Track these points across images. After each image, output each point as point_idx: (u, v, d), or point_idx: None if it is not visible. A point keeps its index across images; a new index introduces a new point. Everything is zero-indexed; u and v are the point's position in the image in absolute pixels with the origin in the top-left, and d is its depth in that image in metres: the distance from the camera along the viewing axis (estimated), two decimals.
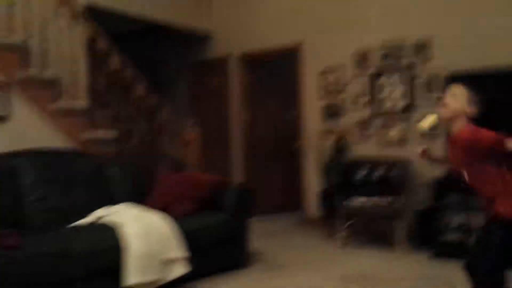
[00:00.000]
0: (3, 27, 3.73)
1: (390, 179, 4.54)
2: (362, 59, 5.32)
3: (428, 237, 4.27)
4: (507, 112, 3.82)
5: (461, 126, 2.44)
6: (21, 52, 3.76)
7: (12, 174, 3.21)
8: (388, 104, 5.14)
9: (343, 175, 4.76)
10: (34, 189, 3.24)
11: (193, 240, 3.28)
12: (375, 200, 4.46)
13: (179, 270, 3.10)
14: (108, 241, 2.90)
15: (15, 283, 2.49)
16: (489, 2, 4.58)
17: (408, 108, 4.97)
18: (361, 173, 4.74)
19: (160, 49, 7.53)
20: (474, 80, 2.71)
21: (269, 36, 6.13)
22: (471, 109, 2.44)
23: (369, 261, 4.07)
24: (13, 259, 2.48)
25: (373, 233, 4.93)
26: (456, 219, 4.08)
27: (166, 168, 4.07)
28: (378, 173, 4.68)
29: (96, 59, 4.24)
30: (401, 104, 5.04)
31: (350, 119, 5.40)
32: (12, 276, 2.46)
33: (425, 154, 2.80)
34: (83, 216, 3.32)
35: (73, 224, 3.23)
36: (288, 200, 6.66)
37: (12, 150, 3.45)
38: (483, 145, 2.35)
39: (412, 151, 4.74)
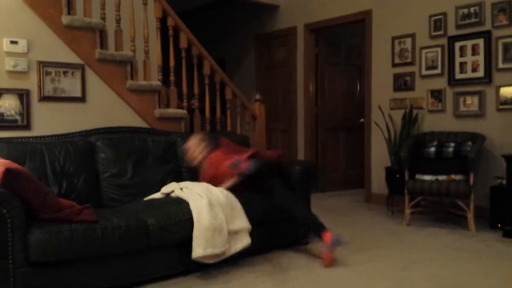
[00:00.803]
0: (79, 9, 3.90)
1: (464, 154, 4.34)
2: (435, 25, 5.05)
3: (501, 216, 4.09)
4: None
5: None
6: (97, 32, 3.92)
7: (90, 152, 3.43)
8: (464, 73, 4.85)
9: (413, 149, 4.60)
10: (109, 166, 3.45)
11: (255, 215, 3.35)
12: (445, 177, 4.29)
13: (243, 242, 3.20)
14: (180, 214, 3.03)
15: (91, 256, 2.68)
16: None
17: (487, 77, 4.67)
18: (433, 148, 4.58)
19: (226, 23, 7.59)
20: None
21: (337, 5, 5.97)
22: None
23: (434, 242, 3.97)
24: (89, 232, 2.65)
25: (442, 211, 4.79)
26: None
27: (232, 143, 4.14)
28: (451, 148, 4.48)
29: (166, 37, 4.34)
30: (479, 73, 4.74)
31: (423, 89, 5.18)
32: (88, 249, 2.64)
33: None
34: (155, 191, 3.50)
35: (146, 199, 3.42)
36: (353, 176, 6.61)
37: (89, 128, 3.69)
38: None
39: (489, 124, 4.53)
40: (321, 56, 6.48)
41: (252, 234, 3.27)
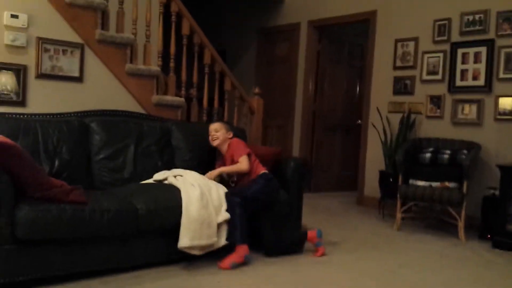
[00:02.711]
0: None
1: (459, 162, 4.33)
2: (439, 30, 5.03)
3: (492, 226, 4.09)
4: None
5: None
6: (99, 12, 3.86)
7: (84, 133, 3.38)
8: (465, 81, 4.84)
9: (409, 154, 4.59)
10: (103, 148, 3.40)
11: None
12: (439, 184, 4.28)
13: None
14: (170, 202, 3.00)
15: (79, 238, 2.65)
16: None
17: (487, 86, 4.66)
18: (428, 154, 4.57)
19: (229, 14, 7.55)
20: None
21: (342, 3, 5.95)
22: None
23: (423, 247, 3.97)
24: (78, 213, 2.61)
25: (433, 218, 4.78)
26: None
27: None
28: (446, 155, 4.48)
29: (168, 23, 4.30)
30: (479, 81, 4.73)
31: (422, 94, 5.17)
32: (76, 230, 2.61)
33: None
34: (147, 177, 3.47)
35: (137, 184, 3.38)
36: (347, 178, 6.60)
37: (84, 109, 3.64)
38: None
39: (486, 134, 4.53)
40: (323, 54, 6.45)
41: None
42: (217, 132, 3.63)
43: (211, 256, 3.12)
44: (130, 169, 3.45)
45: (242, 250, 3.14)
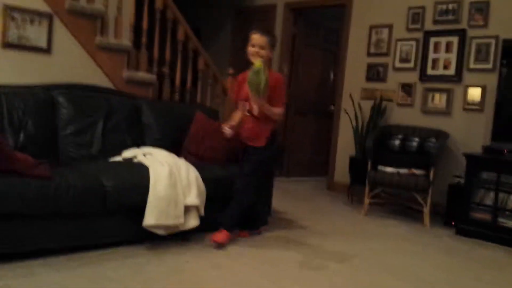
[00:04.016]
0: None
1: (426, 150, 4.41)
2: (413, 18, 5.06)
3: (456, 213, 4.19)
4: None
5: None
6: None
7: (51, 107, 3.27)
8: (436, 70, 4.90)
9: (378, 140, 4.65)
10: (70, 123, 3.30)
11: (214, 189, 3.30)
12: (406, 170, 4.35)
13: (192, 222, 3.10)
14: (138, 180, 2.94)
15: (43, 213, 2.58)
16: None
17: (457, 76, 4.74)
18: (397, 141, 4.63)
19: None
20: None
21: None
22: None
23: (388, 231, 4.04)
24: (42, 188, 2.54)
25: (399, 204, 4.87)
26: (488, 198, 3.98)
27: (202, 115, 4.06)
28: (415, 142, 4.55)
29: None
30: (450, 71, 4.80)
31: (394, 81, 5.22)
32: (40, 206, 2.54)
33: (233, 128, 3.24)
34: (116, 154, 3.39)
35: (105, 161, 3.31)
36: (319, 164, 6.64)
37: (51, 81, 3.52)
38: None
39: (454, 123, 4.61)
40: (298, 37, 6.42)
41: (210, 209, 3.22)
42: (262, 50, 3.15)
43: (176, 237, 3.09)
44: (98, 145, 3.37)
45: (228, 236, 3.17)
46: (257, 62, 3.04)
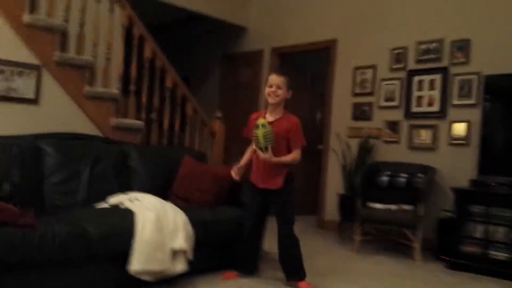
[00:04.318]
0: (42, 9, 3.82)
1: (415, 185, 4.44)
2: (396, 58, 5.21)
3: (447, 247, 4.18)
4: None
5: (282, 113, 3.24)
6: (59, 34, 3.83)
7: (37, 156, 3.30)
8: (420, 107, 5.00)
9: (367, 177, 4.68)
10: (55, 172, 3.32)
11: (204, 232, 3.30)
12: (395, 206, 4.36)
13: (179, 266, 3.06)
14: (124, 225, 2.93)
15: (28, 262, 2.55)
16: None
17: (442, 112, 4.83)
18: (385, 177, 4.66)
19: (194, 41, 7.61)
20: None
21: (304, 32, 6.10)
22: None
23: (381, 269, 4.01)
24: (27, 237, 2.53)
25: (390, 240, 4.85)
26: (478, 231, 3.98)
27: (190, 159, 4.10)
28: (403, 178, 4.58)
29: (130, 46, 4.30)
30: (434, 107, 4.90)
31: (380, 119, 5.31)
32: (26, 254, 2.52)
33: (240, 170, 3.33)
34: (102, 200, 3.39)
35: (90, 208, 3.30)
36: (308, 203, 6.62)
37: (39, 132, 3.56)
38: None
39: (441, 158, 4.65)
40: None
41: (199, 253, 3.20)
42: (279, 90, 3.20)
43: (164, 284, 3.05)
44: (84, 192, 3.38)
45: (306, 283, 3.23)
46: (260, 120, 3.16)
